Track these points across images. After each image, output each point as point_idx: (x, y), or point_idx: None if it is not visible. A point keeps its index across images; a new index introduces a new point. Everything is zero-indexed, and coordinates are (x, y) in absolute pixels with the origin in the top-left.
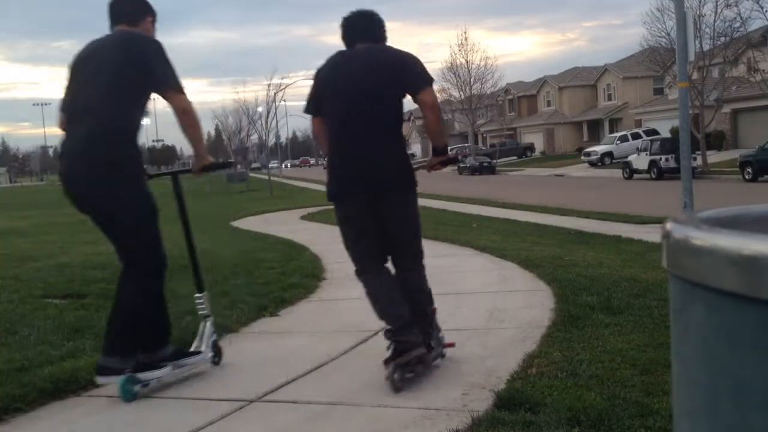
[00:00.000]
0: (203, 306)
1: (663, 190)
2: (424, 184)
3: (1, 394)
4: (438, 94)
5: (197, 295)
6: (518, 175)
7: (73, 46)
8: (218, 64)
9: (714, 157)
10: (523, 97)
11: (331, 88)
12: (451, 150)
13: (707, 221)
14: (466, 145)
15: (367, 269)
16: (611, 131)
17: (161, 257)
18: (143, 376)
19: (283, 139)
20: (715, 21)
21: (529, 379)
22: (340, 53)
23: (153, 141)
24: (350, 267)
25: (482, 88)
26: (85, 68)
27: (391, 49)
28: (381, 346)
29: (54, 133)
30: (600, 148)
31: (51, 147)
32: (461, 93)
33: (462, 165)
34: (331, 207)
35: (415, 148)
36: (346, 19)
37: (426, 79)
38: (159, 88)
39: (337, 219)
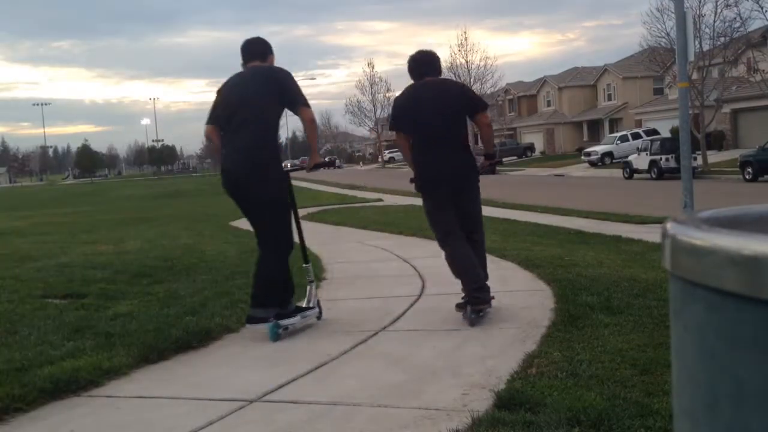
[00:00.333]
0: (309, 273)
1: (663, 190)
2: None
3: (1, 394)
4: None
5: (305, 265)
6: (518, 175)
7: (73, 46)
8: (218, 64)
9: (714, 157)
10: (523, 97)
11: (414, 112)
12: None
13: (707, 221)
14: None
15: (449, 240)
16: (611, 131)
17: (290, 239)
18: (284, 322)
19: (283, 139)
20: (714, 21)
21: (529, 379)
22: (415, 85)
23: (153, 141)
24: (350, 267)
25: (482, 88)
26: (239, 94)
27: (452, 81)
28: (381, 346)
29: (53, 133)
30: (600, 148)
31: (50, 147)
32: None
33: None
34: (331, 207)
35: None
36: (415, 58)
37: (482, 105)
38: (294, 105)
39: (426, 205)
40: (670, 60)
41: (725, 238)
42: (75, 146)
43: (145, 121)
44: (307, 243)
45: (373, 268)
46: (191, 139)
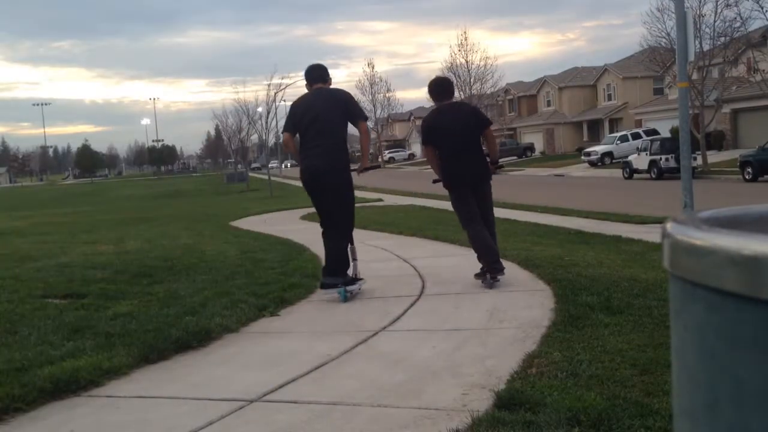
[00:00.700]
0: (354, 253)
1: (663, 190)
2: (427, 185)
3: (1, 394)
4: None
5: (351, 247)
6: (518, 175)
7: (73, 46)
8: (218, 64)
9: (714, 157)
10: (523, 97)
11: (441, 129)
12: None
13: (707, 221)
14: None
15: (471, 224)
16: (611, 131)
17: (353, 223)
18: (349, 288)
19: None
20: (715, 21)
21: (529, 379)
22: (439, 108)
23: (153, 141)
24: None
25: (482, 88)
26: (314, 110)
27: (465, 103)
28: (381, 346)
29: (53, 133)
30: (600, 148)
31: (51, 147)
32: (461, 93)
33: None
34: None
35: (416, 148)
36: (437, 82)
37: (489, 121)
38: (355, 119)
39: (452, 197)
40: (670, 60)
41: (725, 238)
42: (75, 146)
43: (145, 121)
44: (308, 243)
45: (373, 268)
46: (191, 139)
